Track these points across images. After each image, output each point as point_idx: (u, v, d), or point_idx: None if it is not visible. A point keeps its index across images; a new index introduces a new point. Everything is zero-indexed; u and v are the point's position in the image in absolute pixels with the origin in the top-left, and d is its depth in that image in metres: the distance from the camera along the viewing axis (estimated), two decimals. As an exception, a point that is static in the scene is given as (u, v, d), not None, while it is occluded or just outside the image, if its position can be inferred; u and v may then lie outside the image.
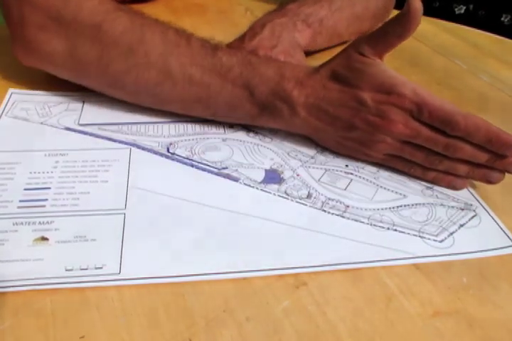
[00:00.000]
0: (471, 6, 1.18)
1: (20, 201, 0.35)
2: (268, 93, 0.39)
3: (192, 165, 0.40)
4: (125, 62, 0.40)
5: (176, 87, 0.40)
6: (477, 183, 0.39)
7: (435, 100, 0.35)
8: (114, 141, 0.42)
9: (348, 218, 0.36)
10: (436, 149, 0.37)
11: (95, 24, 0.40)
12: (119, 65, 0.40)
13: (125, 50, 0.40)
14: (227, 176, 0.39)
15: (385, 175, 0.40)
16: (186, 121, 0.45)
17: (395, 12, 0.66)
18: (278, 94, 0.39)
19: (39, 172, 0.38)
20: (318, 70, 0.39)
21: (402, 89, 0.36)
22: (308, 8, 0.53)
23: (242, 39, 0.49)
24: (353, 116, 0.37)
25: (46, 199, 0.36)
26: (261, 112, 0.40)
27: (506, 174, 0.40)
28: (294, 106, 0.39)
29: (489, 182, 0.38)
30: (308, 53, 0.53)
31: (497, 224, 0.36)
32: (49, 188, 0.37)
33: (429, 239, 0.34)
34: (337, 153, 0.41)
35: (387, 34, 0.37)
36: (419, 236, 0.35)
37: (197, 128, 0.44)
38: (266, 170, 0.40)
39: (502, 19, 1.16)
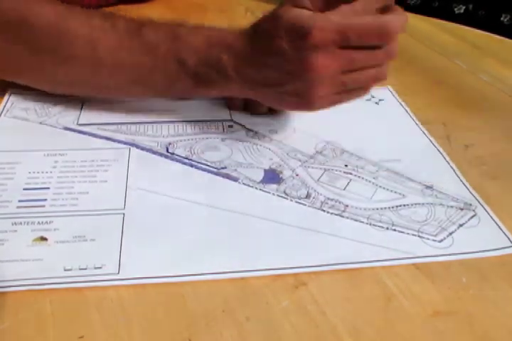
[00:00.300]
0: (471, 6, 1.18)
1: (19, 201, 0.35)
2: (199, 63, 0.38)
3: (191, 165, 0.40)
4: (54, 56, 0.40)
5: (109, 73, 0.40)
6: (477, 183, 0.39)
7: (354, 20, 0.33)
8: (113, 140, 0.42)
9: (348, 218, 0.36)
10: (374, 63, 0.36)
11: (19, 19, 0.39)
12: (48, 60, 0.40)
13: (52, 44, 0.39)
14: (227, 176, 0.39)
15: (384, 175, 0.40)
16: (185, 121, 0.45)
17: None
18: (208, 63, 0.38)
19: (38, 172, 0.38)
20: (245, 31, 0.38)
21: (318, 25, 0.33)
22: None
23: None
24: (279, 71, 0.36)
25: (45, 199, 0.36)
26: (197, 83, 0.39)
27: (505, 173, 0.41)
28: (226, 72, 0.38)
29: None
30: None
31: (496, 224, 0.36)
32: (48, 188, 0.37)
33: (428, 238, 0.34)
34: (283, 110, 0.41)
35: None
36: (419, 236, 0.35)
37: (196, 128, 0.44)
38: (265, 170, 0.40)
39: (502, 19, 1.16)
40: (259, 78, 0.37)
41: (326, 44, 0.34)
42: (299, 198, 0.37)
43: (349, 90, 0.37)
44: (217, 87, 0.40)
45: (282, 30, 0.34)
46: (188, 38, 0.39)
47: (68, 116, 0.45)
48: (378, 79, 0.38)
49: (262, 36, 0.36)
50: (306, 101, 0.37)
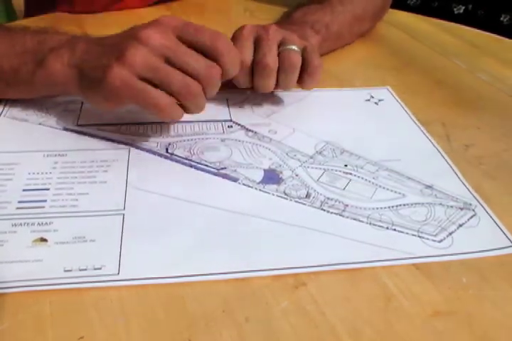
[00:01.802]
0: (470, 6, 1.18)
1: (19, 202, 0.35)
2: (56, 45, 0.40)
3: (191, 166, 0.40)
4: None
5: None
6: (477, 183, 0.39)
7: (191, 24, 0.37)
8: (113, 141, 0.42)
9: (347, 217, 0.36)
10: (195, 66, 0.36)
11: None
12: None
13: None
14: (226, 176, 0.39)
15: (384, 175, 0.40)
16: (185, 122, 0.45)
17: (394, 11, 0.67)
18: (66, 44, 0.40)
19: (38, 173, 0.38)
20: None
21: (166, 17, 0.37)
22: (313, 15, 0.54)
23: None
24: (119, 37, 0.38)
25: (45, 200, 0.36)
26: (42, 61, 0.39)
27: (504, 173, 0.41)
28: (75, 47, 0.39)
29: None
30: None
31: (496, 224, 0.36)
32: (48, 189, 0.37)
33: (427, 238, 0.34)
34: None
35: None
36: (418, 236, 0.35)
37: (196, 128, 0.44)
38: (265, 170, 0.40)
39: (501, 19, 1.16)
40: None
41: (166, 25, 0.36)
42: (299, 198, 0.37)
43: (155, 84, 0.36)
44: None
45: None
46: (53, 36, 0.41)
47: (68, 116, 0.45)
48: (190, 91, 0.36)
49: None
50: (104, 75, 0.35)
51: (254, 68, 0.43)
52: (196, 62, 0.36)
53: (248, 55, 0.43)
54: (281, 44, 0.44)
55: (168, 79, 0.35)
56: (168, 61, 0.36)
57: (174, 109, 0.37)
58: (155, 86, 0.35)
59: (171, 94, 0.36)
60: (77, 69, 0.39)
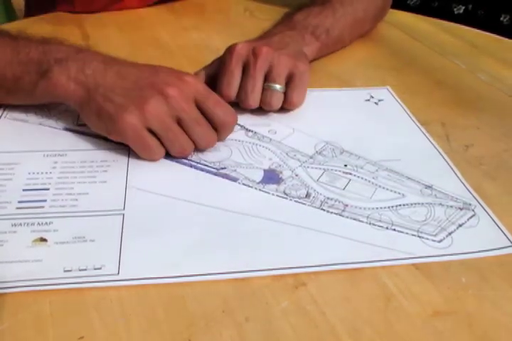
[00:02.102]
0: (470, 6, 1.18)
1: (19, 202, 0.35)
2: (63, 57, 0.40)
3: (191, 166, 0.40)
4: None
5: None
6: (476, 183, 0.39)
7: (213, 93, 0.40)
8: (113, 141, 0.42)
9: (347, 217, 0.36)
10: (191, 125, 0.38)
11: None
12: None
13: None
14: (226, 176, 0.39)
15: (383, 175, 0.40)
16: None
17: (394, 11, 0.67)
18: (72, 57, 0.40)
19: (38, 173, 0.38)
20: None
21: (190, 76, 0.40)
22: (315, 19, 0.54)
23: (249, 40, 0.49)
24: (142, 78, 0.39)
25: (45, 200, 0.36)
26: (46, 72, 0.40)
27: (504, 173, 0.41)
28: (85, 64, 0.39)
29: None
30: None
31: (496, 224, 0.36)
32: (48, 189, 0.37)
33: (427, 238, 0.34)
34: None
35: None
36: (418, 236, 0.35)
37: (196, 128, 0.44)
38: (264, 170, 0.40)
39: (501, 19, 1.16)
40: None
41: (191, 87, 0.38)
42: (299, 198, 0.37)
43: (161, 137, 0.38)
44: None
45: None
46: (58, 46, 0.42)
47: (68, 116, 0.45)
48: (184, 154, 0.40)
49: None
50: (119, 115, 0.37)
51: (238, 101, 0.45)
52: (203, 132, 0.39)
53: (233, 91, 0.45)
54: (267, 74, 0.45)
55: (173, 141, 0.39)
56: (179, 122, 0.38)
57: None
58: (155, 135, 0.38)
59: (166, 148, 0.39)
60: (86, 89, 0.39)
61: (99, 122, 0.39)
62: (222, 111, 0.40)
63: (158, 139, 0.38)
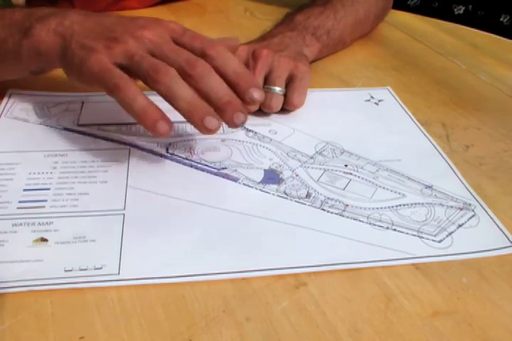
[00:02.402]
0: (470, 7, 1.18)
1: (19, 202, 0.35)
2: (45, 14, 0.39)
3: (191, 166, 0.40)
4: None
5: None
6: (476, 183, 0.40)
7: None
8: (113, 141, 0.42)
9: (348, 217, 0.36)
10: (181, 63, 0.34)
11: None
12: None
13: None
14: (226, 176, 0.39)
15: (384, 175, 0.40)
16: (185, 122, 0.45)
17: (394, 11, 0.67)
18: (54, 13, 0.39)
19: (38, 173, 0.38)
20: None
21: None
22: (316, 20, 0.54)
23: (250, 42, 0.49)
24: (116, 23, 0.37)
25: (45, 200, 0.36)
26: (28, 29, 0.38)
27: (505, 175, 0.41)
28: (65, 16, 0.38)
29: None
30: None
31: (496, 224, 0.36)
32: (48, 189, 0.37)
33: (427, 239, 0.34)
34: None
35: None
36: (418, 236, 0.35)
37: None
38: (265, 170, 0.40)
39: (501, 19, 1.16)
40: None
41: (165, 27, 0.36)
42: (299, 198, 0.37)
43: (131, 69, 0.35)
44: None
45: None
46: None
47: (68, 116, 0.45)
48: (157, 71, 0.34)
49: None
50: (86, 56, 0.35)
51: None
52: (178, 53, 0.35)
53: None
54: (267, 77, 0.45)
55: (140, 63, 0.34)
56: (153, 54, 0.35)
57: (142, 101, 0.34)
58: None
59: (143, 78, 0.35)
60: (62, 37, 0.37)
61: (72, 70, 0.37)
62: (199, 43, 0.36)
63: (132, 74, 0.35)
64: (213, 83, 0.35)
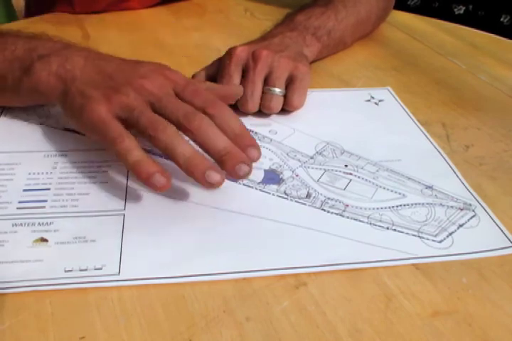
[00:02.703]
0: (471, 7, 1.18)
1: (19, 202, 0.35)
2: (46, 53, 0.39)
3: (191, 166, 0.40)
4: None
5: None
6: (476, 183, 0.40)
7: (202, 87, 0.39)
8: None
9: (348, 217, 0.36)
10: (176, 118, 0.34)
11: None
12: None
13: None
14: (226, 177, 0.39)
15: (384, 175, 0.40)
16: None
17: (394, 11, 0.67)
18: (56, 53, 0.39)
19: (38, 173, 0.38)
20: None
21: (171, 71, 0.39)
22: (316, 20, 0.53)
23: (250, 42, 0.49)
24: (118, 70, 0.38)
25: (45, 200, 0.36)
26: (29, 69, 0.39)
27: (505, 175, 0.41)
28: (67, 59, 0.38)
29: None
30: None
31: (496, 224, 0.36)
32: (48, 189, 0.37)
33: (428, 239, 0.34)
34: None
35: None
36: (419, 237, 0.35)
37: (196, 128, 0.44)
38: (265, 171, 0.40)
39: (501, 19, 1.16)
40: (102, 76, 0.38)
41: (166, 78, 0.37)
42: (299, 198, 0.37)
43: (130, 121, 0.35)
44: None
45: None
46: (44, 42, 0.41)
47: (68, 117, 0.45)
48: (156, 127, 0.34)
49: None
50: (86, 105, 0.35)
51: (237, 104, 0.45)
52: (177, 106, 0.35)
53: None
54: (267, 78, 0.45)
55: (139, 118, 0.34)
56: (152, 107, 0.35)
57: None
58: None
59: (142, 134, 0.34)
60: (63, 82, 0.38)
61: (73, 116, 0.37)
62: (200, 100, 0.36)
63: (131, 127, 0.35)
64: (212, 136, 0.34)
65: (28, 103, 0.43)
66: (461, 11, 1.20)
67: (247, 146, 0.35)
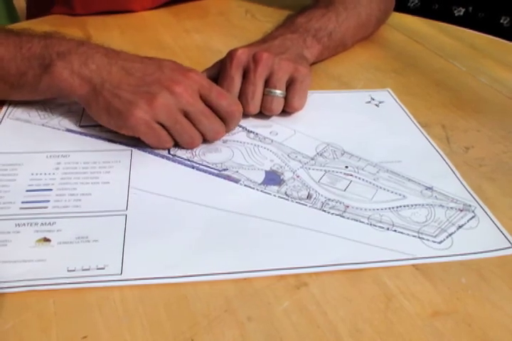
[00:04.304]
0: (471, 8, 1.19)
1: (22, 202, 0.36)
2: (64, 50, 0.40)
3: (193, 167, 0.40)
4: None
5: None
6: (476, 185, 0.40)
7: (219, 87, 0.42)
8: (115, 142, 0.42)
9: (348, 218, 0.36)
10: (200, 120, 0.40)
11: None
12: None
13: None
14: (228, 177, 0.39)
15: (384, 176, 0.40)
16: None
17: (394, 13, 0.67)
18: (74, 50, 0.40)
19: (41, 174, 0.38)
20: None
21: (193, 71, 0.41)
22: (317, 22, 0.54)
23: (250, 44, 0.49)
24: (147, 74, 0.40)
25: (48, 201, 0.36)
26: (49, 67, 0.40)
27: (504, 176, 0.41)
28: (87, 58, 0.40)
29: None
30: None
31: (495, 225, 0.36)
32: (51, 190, 0.37)
33: (428, 239, 0.35)
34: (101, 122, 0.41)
35: None
36: (419, 237, 0.35)
37: (198, 129, 0.44)
38: (266, 172, 0.40)
39: (501, 21, 1.17)
40: (121, 72, 0.40)
41: (195, 82, 0.40)
42: (300, 199, 0.37)
43: (170, 129, 0.40)
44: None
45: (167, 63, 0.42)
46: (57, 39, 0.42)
47: (70, 117, 0.45)
48: (192, 144, 0.41)
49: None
50: (130, 111, 0.38)
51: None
52: (209, 123, 0.41)
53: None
54: (268, 80, 0.45)
55: (181, 132, 0.40)
56: (187, 115, 0.40)
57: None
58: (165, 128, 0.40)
59: (176, 140, 0.41)
60: (92, 85, 0.39)
61: (109, 118, 0.40)
62: (225, 102, 0.41)
63: (168, 131, 0.40)
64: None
65: (45, 97, 0.44)
66: (461, 13, 1.20)
67: None
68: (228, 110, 0.41)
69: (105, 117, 0.40)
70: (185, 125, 0.40)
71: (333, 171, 0.41)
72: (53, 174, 0.38)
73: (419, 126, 0.47)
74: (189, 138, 0.41)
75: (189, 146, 0.41)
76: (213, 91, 0.40)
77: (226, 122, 0.42)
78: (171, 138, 0.40)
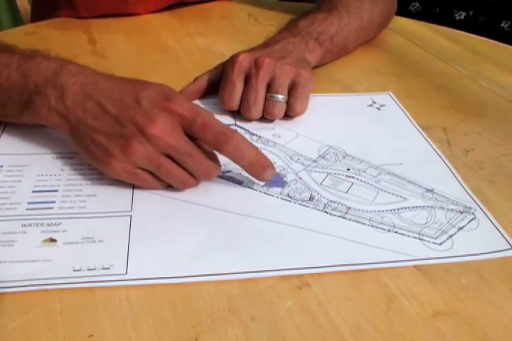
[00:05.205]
0: (471, 12, 1.19)
1: (28, 203, 0.36)
2: (41, 81, 0.38)
3: (196, 169, 0.41)
4: None
5: None
6: (476, 187, 0.40)
7: (209, 116, 0.36)
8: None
9: (350, 219, 0.36)
10: (186, 160, 0.36)
11: None
12: None
13: None
14: (231, 179, 0.40)
15: (385, 178, 0.41)
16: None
17: (395, 17, 0.67)
18: (51, 82, 0.38)
19: (47, 175, 0.39)
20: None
21: (179, 97, 0.37)
22: (319, 26, 0.54)
23: (252, 49, 0.50)
24: (122, 112, 0.36)
25: (54, 202, 0.36)
26: (28, 103, 0.38)
27: (504, 179, 0.41)
28: (64, 92, 0.37)
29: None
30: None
31: (495, 227, 0.36)
32: (57, 191, 0.37)
33: (428, 241, 0.35)
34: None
35: None
36: (419, 239, 0.35)
37: (201, 132, 0.45)
38: (269, 174, 0.40)
39: (502, 25, 1.17)
40: (95, 110, 0.36)
41: (175, 115, 0.35)
42: (303, 201, 0.38)
43: (155, 173, 0.37)
44: (43, 110, 0.38)
45: (153, 87, 0.37)
46: (42, 60, 0.39)
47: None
48: (185, 185, 0.38)
49: (128, 80, 0.38)
50: (106, 160, 0.36)
51: (240, 111, 0.46)
52: (197, 164, 0.36)
53: (235, 102, 0.46)
54: (270, 85, 0.46)
55: (168, 176, 0.37)
56: (171, 157, 0.36)
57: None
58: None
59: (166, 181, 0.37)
60: (69, 124, 0.37)
61: (92, 161, 0.38)
62: (211, 134, 0.35)
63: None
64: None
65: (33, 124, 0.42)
66: (462, 17, 1.20)
67: (264, 168, 0.37)
68: (215, 142, 0.35)
69: (88, 159, 0.38)
70: (171, 168, 0.36)
71: (335, 173, 0.41)
72: (59, 175, 0.39)
73: (420, 129, 0.47)
74: (178, 180, 0.37)
75: (182, 188, 0.38)
76: (196, 122, 0.35)
77: (219, 150, 0.37)
78: (159, 181, 0.37)
